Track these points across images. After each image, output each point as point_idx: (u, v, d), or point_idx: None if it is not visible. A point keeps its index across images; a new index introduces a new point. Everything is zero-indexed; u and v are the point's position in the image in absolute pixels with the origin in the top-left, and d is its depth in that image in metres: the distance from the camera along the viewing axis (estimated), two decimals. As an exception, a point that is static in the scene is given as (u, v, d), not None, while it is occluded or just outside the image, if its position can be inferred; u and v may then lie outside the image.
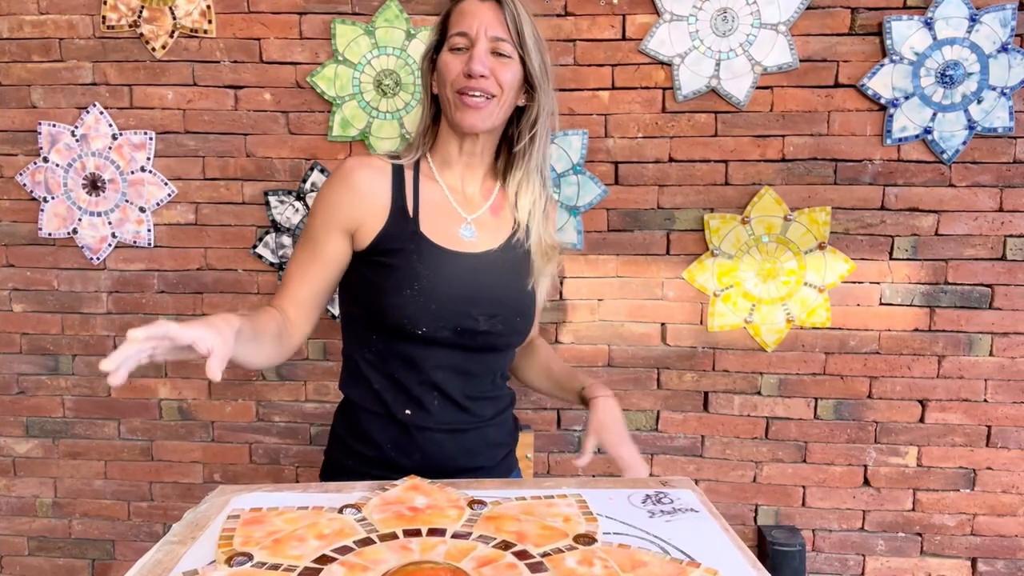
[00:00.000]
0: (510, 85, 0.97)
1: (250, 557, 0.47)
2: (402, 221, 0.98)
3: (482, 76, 0.94)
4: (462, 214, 1.03)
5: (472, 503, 0.56)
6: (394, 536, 0.50)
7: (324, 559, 0.46)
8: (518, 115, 1.04)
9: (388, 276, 0.97)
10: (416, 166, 1.04)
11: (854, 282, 1.72)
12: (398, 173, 1.01)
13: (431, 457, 0.99)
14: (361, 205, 0.98)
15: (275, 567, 0.45)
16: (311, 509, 0.54)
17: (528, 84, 1.00)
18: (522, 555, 0.47)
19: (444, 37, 0.99)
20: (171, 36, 1.74)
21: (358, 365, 1.03)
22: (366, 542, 0.49)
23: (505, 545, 0.49)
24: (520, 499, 0.58)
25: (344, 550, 0.47)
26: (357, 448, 1.03)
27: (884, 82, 1.65)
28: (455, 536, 0.50)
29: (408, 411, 0.99)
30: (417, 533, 0.50)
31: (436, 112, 1.05)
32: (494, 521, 0.53)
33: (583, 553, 0.48)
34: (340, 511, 0.54)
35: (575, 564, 0.46)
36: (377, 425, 1.01)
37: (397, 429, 1.00)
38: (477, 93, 0.95)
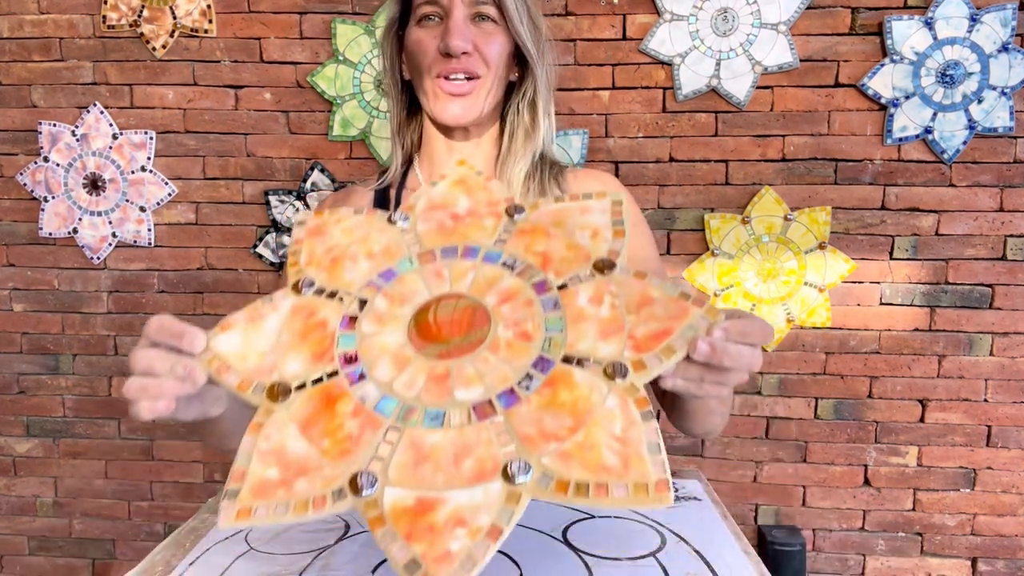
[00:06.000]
0: (499, 60, 0.79)
1: (312, 283, 0.53)
2: None
3: (464, 53, 0.75)
4: None
5: (509, 210, 0.58)
6: (432, 257, 0.55)
7: (371, 286, 0.53)
8: (508, 90, 0.85)
9: None
10: (403, 179, 0.87)
11: (854, 282, 1.72)
12: (381, 195, 0.86)
13: None
14: None
15: (332, 295, 0.53)
16: (365, 216, 0.59)
17: (519, 54, 0.82)
18: (541, 287, 0.51)
19: (409, 6, 0.81)
20: (171, 36, 1.74)
21: None
22: (407, 265, 0.55)
23: (529, 270, 0.52)
24: (558, 199, 0.58)
25: (388, 275, 0.54)
26: None
27: (884, 82, 1.65)
28: (486, 259, 0.54)
29: None
30: (452, 253, 0.55)
31: (412, 100, 0.87)
32: (525, 237, 0.55)
33: (596, 287, 0.50)
34: (391, 220, 0.58)
35: (586, 302, 0.49)
36: None
37: None
38: (459, 76, 0.77)
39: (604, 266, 0.51)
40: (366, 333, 0.50)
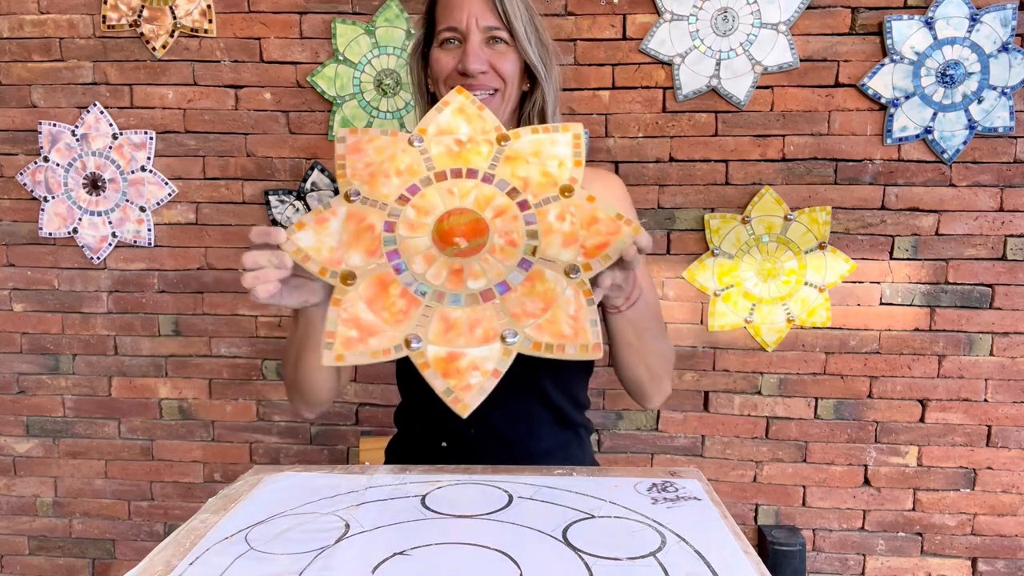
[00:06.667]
0: (512, 76, 0.89)
1: (358, 193, 0.69)
2: None
3: (481, 73, 0.86)
4: None
5: (499, 138, 0.74)
6: (444, 176, 0.71)
7: (402, 199, 0.70)
8: (520, 101, 0.95)
9: None
10: None
11: (854, 282, 1.72)
12: None
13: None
14: None
15: (374, 203, 0.69)
16: (390, 137, 0.73)
17: (529, 69, 0.92)
18: (523, 205, 0.69)
19: (432, 31, 0.92)
20: (171, 36, 1.74)
21: (402, 394, 1.02)
22: (427, 181, 0.71)
23: (514, 192, 0.70)
24: (535, 131, 0.74)
25: (414, 189, 0.70)
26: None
27: (884, 82, 1.65)
28: (484, 179, 0.71)
29: (444, 443, 0.92)
30: (459, 174, 0.71)
31: None
32: (510, 163, 0.72)
33: (561, 207, 0.68)
34: (411, 143, 0.73)
35: (553, 219, 0.68)
36: (414, 452, 0.97)
37: (437, 458, 0.87)
38: (478, 92, 0.87)
39: (566, 191, 0.69)
40: (402, 236, 0.68)
